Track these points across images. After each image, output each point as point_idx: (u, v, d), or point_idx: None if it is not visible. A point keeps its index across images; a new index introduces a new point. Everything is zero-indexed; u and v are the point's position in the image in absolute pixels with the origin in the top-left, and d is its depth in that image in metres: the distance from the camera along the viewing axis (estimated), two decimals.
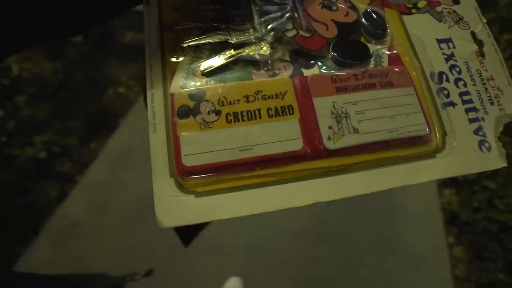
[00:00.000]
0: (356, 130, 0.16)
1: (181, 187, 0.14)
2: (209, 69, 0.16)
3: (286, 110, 0.16)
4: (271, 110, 0.15)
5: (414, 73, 0.18)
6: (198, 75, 0.16)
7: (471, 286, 0.61)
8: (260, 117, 0.15)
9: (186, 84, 0.16)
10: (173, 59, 0.16)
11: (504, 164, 0.17)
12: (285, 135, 0.15)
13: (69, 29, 0.18)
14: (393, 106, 0.17)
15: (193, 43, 0.16)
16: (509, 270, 0.55)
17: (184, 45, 0.16)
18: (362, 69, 0.17)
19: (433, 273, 0.63)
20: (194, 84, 0.16)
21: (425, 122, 0.17)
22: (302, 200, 0.14)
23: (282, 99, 0.16)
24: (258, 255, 0.69)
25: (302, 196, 0.15)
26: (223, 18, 0.17)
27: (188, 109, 0.15)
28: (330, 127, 0.15)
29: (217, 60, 0.16)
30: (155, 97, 0.15)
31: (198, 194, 0.14)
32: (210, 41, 0.16)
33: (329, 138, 0.15)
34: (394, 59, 0.18)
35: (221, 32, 0.17)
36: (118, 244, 0.70)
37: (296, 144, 0.15)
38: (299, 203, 0.14)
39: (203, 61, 0.16)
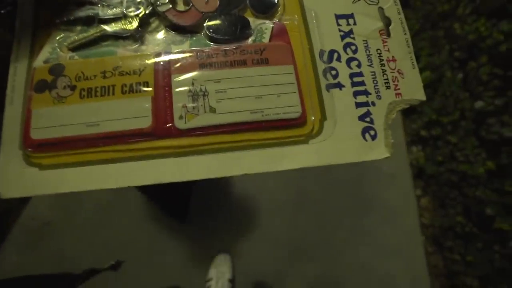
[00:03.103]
0: (212, 110, 0.15)
1: (28, 160, 0.14)
2: (73, 44, 0.16)
3: (141, 86, 0.15)
4: (125, 86, 0.15)
5: (300, 50, 0.16)
6: (65, 50, 0.16)
7: (435, 231, 0.68)
8: (113, 93, 0.15)
9: (50, 59, 0.16)
10: (44, 34, 0.16)
11: (387, 155, 0.15)
12: (134, 112, 0.15)
13: None
14: (263, 85, 0.15)
15: (64, 18, 0.16)
16: (465, 213, 0.60)
17: (57, 21, 0.16)
18: (235, 45, 0.16)
19: (403, 223, 0.71)
20: (57, 59, 0.16)
21: (299, 104, 0.15)
22: (142, 179, 0.14)
23: (140, 75, 0.15)
24: (242, 229, 0.70)
25: (143, 175, 0.14)
26: None
27: (45, 84, 0.15)
28: (184, 106, 0.15)
29: (83, 35, 0.16)
30: (18, 70, 0.16)
31: (42, 167, 0.14)
32: (80, 15, 0.16)
33: (180, 117, 0.15)
34: (279, 35, 0.17)
35: (92, 7, 0.16)
36: (94, 239, 0.67)
37: (145, 122, 0.15)
38: (138, 181, 0.14)
39: (72, 37, 0.16)
